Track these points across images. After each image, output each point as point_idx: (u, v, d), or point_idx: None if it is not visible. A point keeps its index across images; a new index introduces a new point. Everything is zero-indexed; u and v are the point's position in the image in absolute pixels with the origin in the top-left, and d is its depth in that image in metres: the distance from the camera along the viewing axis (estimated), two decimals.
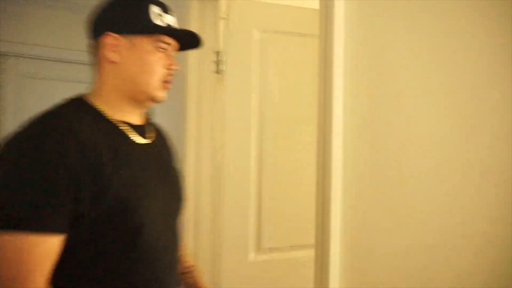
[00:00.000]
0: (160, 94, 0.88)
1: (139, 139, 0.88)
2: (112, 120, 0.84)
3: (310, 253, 1.58)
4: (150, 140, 0.91)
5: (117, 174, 0.77)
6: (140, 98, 0.88)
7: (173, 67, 0.88)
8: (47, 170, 0.71)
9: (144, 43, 0.85)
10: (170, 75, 0.89)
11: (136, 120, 0.90)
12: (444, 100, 0.83)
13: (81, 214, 0.73)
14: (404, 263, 0.88)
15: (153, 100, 0.88)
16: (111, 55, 0.84)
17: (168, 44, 0.88)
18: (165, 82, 0.88)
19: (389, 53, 0.92)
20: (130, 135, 0.86)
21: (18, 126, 0.75)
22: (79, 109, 0.82)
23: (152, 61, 0.86)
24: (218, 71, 1.56)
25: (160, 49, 0.86)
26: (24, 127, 0.75)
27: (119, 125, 0.85)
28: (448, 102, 0.82)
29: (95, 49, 0.86)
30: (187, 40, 0.93)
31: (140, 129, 0.89)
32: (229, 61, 1.56)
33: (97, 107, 0.84)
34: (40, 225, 0.69)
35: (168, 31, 0.88)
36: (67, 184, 0.71)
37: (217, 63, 1.55)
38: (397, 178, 0.89)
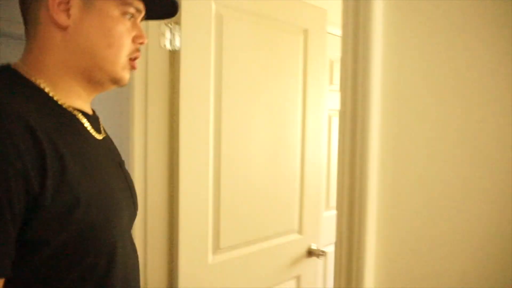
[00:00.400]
0: (126, 75, 0.68)
1: (96, 134, 0.68)
2: (63, 106, 0.62)
3: (262, 246, 1.55)
4: (103, 135, 0.71)
5: (86, 182, 0.58)
6: (99, 79, 0.66)
7: (142, 40, 0.68)
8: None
9: (108, 5, 0.64)
10: (138, 50, 0.69)
11: (88, 108, 0.69)
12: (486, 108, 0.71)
13: (35, 244, 0.53)
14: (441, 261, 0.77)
15: (116, 82, 0.67)
16: (60, 17, 0.61)
17: (138, 10, 0.68)
18: (132, 59, 0.68)
19: (430, 54, 0.76)
20: (88, 128, 0.66)
21: None
22: (12, 86, 0.57)
23: (120, 31, 0.65)
24: (171, 49, 1.30)
25: (128, 16, 0.66)
26: None
27: (74, 113, 0.64)
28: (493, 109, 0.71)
29: (35, 6, 0.61)
30: (158, 5, 0.71)
31: (93, 121, 0.69)
32: (185, 36, 1.29)
33: (39, 85, 0.60)
34: None
35: None
36: (16, 200, 0.50)
37: (171, 38, 1.29)
38: (432, 175, 0.76)
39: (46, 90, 0.60)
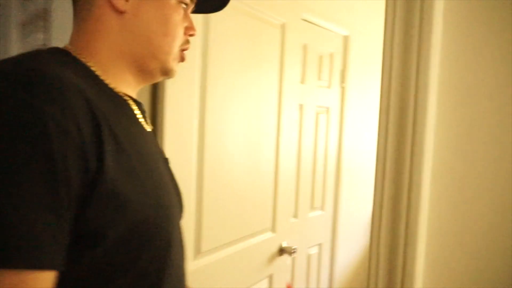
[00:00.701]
0: (176, 66, 0.64)
1: (146, 125, 0.63)
2: (114, 90, 0.57)
3: (241, 247, 1.48)
4: (151, 127, 0.66)
5: (141, 169, 0.53)
6: (152, 68, 0.62)
7: (193, 31, 0.66)
8: (36, 158, 0.41)
9: None
10: (188, 42, 0.66)
11: (136, 98, 0.64)
12: None
13: (90, 238, 0.46)
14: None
15: (167, 73, 0.64)
16: (118, 1, 0.57)
17: (192, 0, 0.65)
18: (183, 50, 0.65)
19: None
20: (138, 117, 0.61)
21: None
22: (67, 65, 0.51)
23: (177, 20, 0.62)
24: None
25: (183, 6, 0.63)
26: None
27: (125, 98, 0.59)
28: None
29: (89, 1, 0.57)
30: None
31: (142, 111, 0.64)
32: None
33: (92, 68, 0.55)
34: (27, 258, 0.41)
35: None
36: (74, 180, 0.43)
37: None
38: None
39: (97, 73, 0.56)
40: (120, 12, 0.57)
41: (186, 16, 0.64)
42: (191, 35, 0.65)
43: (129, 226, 0.49)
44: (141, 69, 0.61)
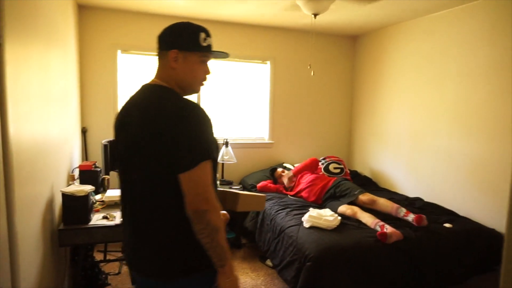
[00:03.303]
0: (198, 89, 1.46)
1: None
2: None
3: None
4: None
5: (214, 138, 1.34)
6: (188, 91, 1.44)
7: (208, 74, 1.44)
8: (210, 127, 1.30)
9: (193, 57, 1.37)
10: (206, 79, 1.45)
11: None
12: None
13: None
14: None
15: (195, 92, 1.47)
16: (173, 64, 1.37)
17: (208, 57, 1.42)
18: (202, 81, 1.45)
19: None
20: None
21: (170, 100, 1.31)
22: (172, 91, 1.39)
23: (199, 70, 1.41)
24: None
25: (202, 62, 1.41)
26: (179, 102, 1.30)
27: None
28: None
29: (164, 55, 1.39)
30: (218, 55, 1.45)
31: None
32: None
33: (177, 91, 1.39)
34: (211, 155, 1.27)
35: (210, 50, 1.41)
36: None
37: None
38: None
39: (179, 93, 1.40)
40: (173, 68, 1.37)
41: (205, 65, 1.43)
42: (207, 74, 1.45)
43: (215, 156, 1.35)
44: (184, 91, 1.43)
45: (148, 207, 1.31)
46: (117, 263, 3.65)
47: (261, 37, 4.72)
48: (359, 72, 5.11)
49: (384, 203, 3.35)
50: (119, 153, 1.42)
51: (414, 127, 4.15)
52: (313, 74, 4.89)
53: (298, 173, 4.26)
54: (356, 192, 3.59)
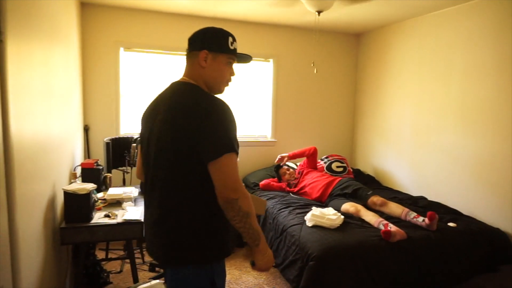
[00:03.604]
0: (223, 89, 1.57)
1: None
2: None
3: None
4: None
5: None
6: (215, 90, 1.54)
7: (233, 75, 1.57)
8: (234, 125, 1.39)
9: (221, 58, 1.50)
10: (231, 79, 1.57)
11: None
12: None
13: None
14: None
15: (220, 92, 1.56)
16: (202, 63, 1.48)
17: (234, 60, 1.55)
18: (228, 82, 1.57)
19: None
20: None
21: (196, 97, 1.41)
22: (201, 90, 1.48)
23: (225, 71, 1.53)
24: None
25: (229, 63, 1.53)
26: (208, 98, 1.40)
27: None
28: None
29: (194, 55, 1.50)
30: (243, 58, 1.59)
31: None
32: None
33: (204, 89, 1.50)
34: (236, 149, 1.36)
35: (236, 53, 1.54)
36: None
37: None
38: None
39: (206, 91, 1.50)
40: (203, 67, 1.49)
41: (230, 67, 1.55)
42: (232, 75, 1.57)
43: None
44: (210, 90, 1.52)
45: (169, 197, 1.41)
46: (119, 262, 3.65)
47: (264, 35, 4.70)
48: (363, 70, 5.08)
49: (394, 207, 3.33)
50: (143, 147, 1.54)
51: (418, 125, 4.12)
52: (316, 71, 4.86)
53: (295, 157, 4.36)
54: (369, 193, 3.57)
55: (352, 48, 5.14)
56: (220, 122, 1.33)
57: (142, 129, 1.58)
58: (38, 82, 2.01)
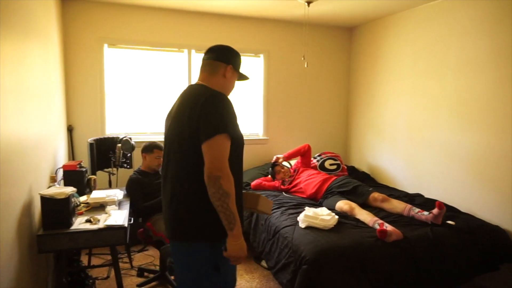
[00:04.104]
0: (230, 94, 1.82)
1: None
2: None
3: None
4: None
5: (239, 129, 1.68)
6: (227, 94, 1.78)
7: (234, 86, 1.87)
8: (234, 117, 1.61)
9: (236, 75, 1.83)
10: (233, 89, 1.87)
11: None
12: None
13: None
14: None
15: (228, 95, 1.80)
16: (227, 75, 1.77)
17: (239, 77, 1.88)
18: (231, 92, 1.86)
19: None
20: None
21: (204, 91, 1.63)
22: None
23: (234, 83, 1.84)
24: None
25: (236, 79, 1.86)
26: (211, 92, 1.61)
27: None
28: None
29: (218, 65, 1.76)
30: (243, 77, 1.91)
31: None
32: None
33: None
34: (228, 131, 1.53)
35: (241, 72, 1.86)
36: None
37: None
38: None
39: None
40: (224, 78, 1.77)
41: (235, 81, 1.84)
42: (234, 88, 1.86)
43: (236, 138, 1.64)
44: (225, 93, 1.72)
45: (180, 179, 1.61)
46: (106, 267, 3.51)
47: (254, 30, 4.56)
48: (356, 64, 4.96)
49: (396, 203, 3.25)
50: (165, 141, 1.77)
51: (413, 120, 4.01)
52: (307, 66, 4.74)
53: (290, 157, 4.27)
54: (370, 189, 3.49)
55: (345, 43, 5.02)
56: (217, 109, 1.54)
57: (164, 128, 1.84)
58: (9, 81, 1.87)
